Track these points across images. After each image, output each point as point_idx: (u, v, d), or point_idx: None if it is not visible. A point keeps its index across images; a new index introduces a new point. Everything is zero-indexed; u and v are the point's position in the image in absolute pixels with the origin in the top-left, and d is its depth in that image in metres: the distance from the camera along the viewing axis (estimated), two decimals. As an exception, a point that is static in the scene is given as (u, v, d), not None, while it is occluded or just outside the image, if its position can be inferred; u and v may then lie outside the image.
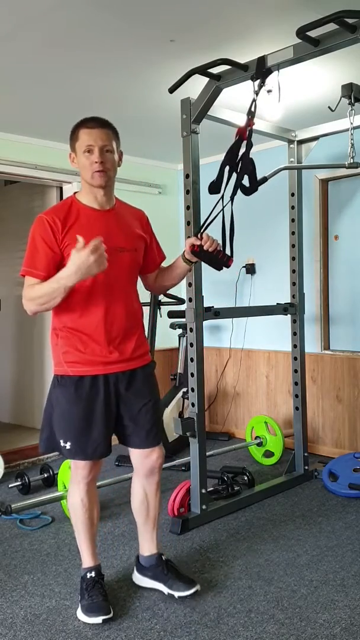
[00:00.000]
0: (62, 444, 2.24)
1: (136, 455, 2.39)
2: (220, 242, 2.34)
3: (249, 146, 2.49)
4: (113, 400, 2.26)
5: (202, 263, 2.57)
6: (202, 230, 2.32)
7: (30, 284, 2.14)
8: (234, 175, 2.48)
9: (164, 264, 2.52)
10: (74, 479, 2.32)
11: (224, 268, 2.36)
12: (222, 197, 2.41)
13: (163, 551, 2.55)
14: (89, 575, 2.33)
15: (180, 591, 2.36)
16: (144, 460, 2.38)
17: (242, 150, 2.50)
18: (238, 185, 2.48)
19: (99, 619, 2.20)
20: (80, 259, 1.99)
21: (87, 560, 2.36)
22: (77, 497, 2.31)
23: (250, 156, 2.47)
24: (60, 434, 2.24)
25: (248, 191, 2.52)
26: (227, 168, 2.43)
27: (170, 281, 2.47)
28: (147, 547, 2.49)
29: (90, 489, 2.32)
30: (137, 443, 2.35)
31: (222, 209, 2.37)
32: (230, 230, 2.43)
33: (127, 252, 2.27)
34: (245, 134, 2.46)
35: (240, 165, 2.44)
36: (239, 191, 2.47)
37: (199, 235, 2.26)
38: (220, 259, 2.33)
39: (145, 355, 2.36)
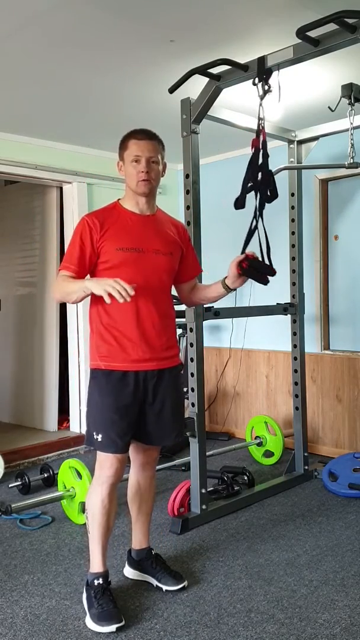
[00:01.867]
0: (94, 436, 2.27)
1: (134, 448, 2.44)
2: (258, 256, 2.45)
3: (266, 157, 2.62)
4: (140, 396, 2.31)
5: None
6: (244, 248, 2.51)
7: (63, 275, 2.24)
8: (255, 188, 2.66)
9: (205, 281, 2.62)
10: (98, 479, 2.29)
11: (269, 279, 2.49)
12: (256, 215, 2.60)
13: (154, 547, 2.60)
14: (97, 582, 2.28)
15: (169, 585, 2.45)
16: (143, 453, 2.46)
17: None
18: (263, 201, 2.65)
19: (112, 628, 2.16)
20: (107, 282, 2.04)
21: (97, 566, 2.32)
22: (98, 498, 2.28)
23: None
24: (93, 425, 2.29)
25: (270, 199, 2.69)
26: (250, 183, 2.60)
27: (204, 300, 2.58)
28: (138, 540, 2.55)
29: (112, 492, 2.29)
30: (156, 442, 2.41)
31: (256, 225, 2.56)
32: (266, 244, 2.58)
33: (163, 255, 2.35)
34: (259, 145, 2.59)
35: (260, 179, 2.60)
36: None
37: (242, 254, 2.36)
38: (266, 270, 2.47)
39: (175, 357, 2.42)
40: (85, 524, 2.36)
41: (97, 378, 2.30)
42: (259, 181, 2.62)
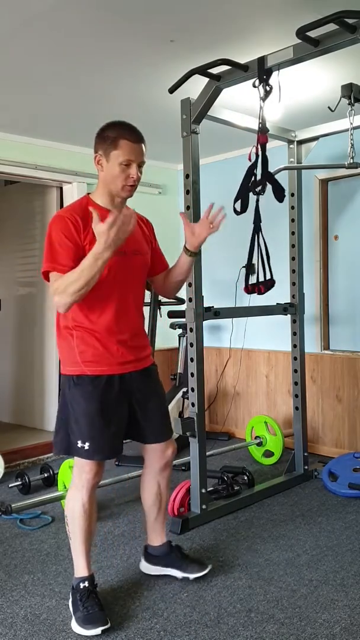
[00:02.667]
0: (79, 445, 2.20)
1: (152, 450, 2.43)
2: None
3: (265, 161, 2.75)
4: (127, 398, 2.31)
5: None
6: (247, 276, 2.79)
7: (54, 279, 2.12)
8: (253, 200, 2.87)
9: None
10: (77, 483, 2.25)
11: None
12: (256, 229, 2.88)
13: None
14: (82, 585, 2.25)
15: (194, 572, 2.50)
16: (160, 455, 2.44)
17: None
18: (257, 212, 2.87)
19: (97, 630, 2.14)
20: (104, 233, 2.00)
21: (81, 570, 2.28)
22: (78, 502, 2.23)
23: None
24: (78, 434, 2.21)
25: (281, 197, 2.88)
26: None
27: (178, 277, 2.49)
28: (158, 537, 2.57)
29: (92, 495, 2.26)
30: (152, 438, 2.41)
31: (256, 236, 2.82)
32: (266, 254, 2.90)
33: (141, 255, 2.35)
34: (258, 150, 2.70)
35: (258, 184, 2.77)
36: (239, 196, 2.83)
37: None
38: (270, 286, 2.79)
39: (150, 355, 2.44)
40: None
41: (82, 385, 2.22)
42: (259, 182, 2.72)
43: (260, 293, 3.14)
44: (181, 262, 2.45)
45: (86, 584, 2.25)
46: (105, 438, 2.23)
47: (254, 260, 4.68)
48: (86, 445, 2.20)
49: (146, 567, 2.60)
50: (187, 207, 3.11)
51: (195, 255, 2.41)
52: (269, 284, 3.16)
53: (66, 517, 2.29)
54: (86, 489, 2.23)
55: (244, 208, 2.83)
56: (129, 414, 2.33)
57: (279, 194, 2.88)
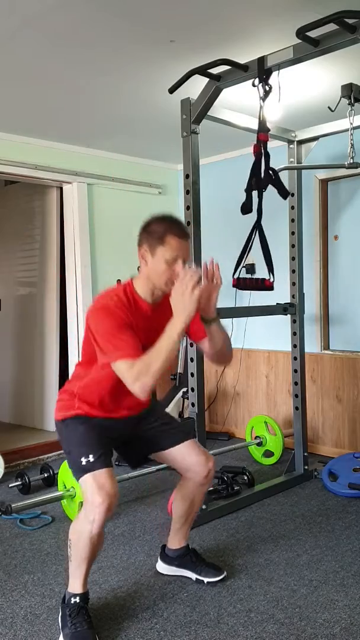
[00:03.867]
0: (84, 461, 2.14)
1: (193, 464, 2.38)
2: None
3: (267, 158, 2.74)
4: (126, 429, 2.35)
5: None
6: (239, 267, 2.71)
7: (129, 365, 2.00)
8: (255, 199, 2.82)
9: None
10: (89, 515, 2.08)
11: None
12: (255, 226, 2.84)
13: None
14: (73, 600, 2.15)
15: (210, 577, 2.51)
16: (200, 470, 2.39)
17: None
18: (260, 210, 2.84)
19: None
20: (177, 299, 1.99)
21: (76, 587, 2.17)
22: (86, 535, 2.10)
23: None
24: (82, 452, 2.16)
25: (285, 195, 2.87)
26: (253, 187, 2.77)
27: (217, 347, 2.35)
28: (178, 540, 2.58)
29: (102, 528, 2.12)
30: (173, 441, 2.38)
31: (253, 233, 2.78)
32: (267, 254, 2.88)
33: None
34: (261, 150, 2.69)
35: (261, 182, 2.75)
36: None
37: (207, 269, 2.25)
38: (259, 287, 2.71)
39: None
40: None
41: (76, 419, 2.23)
42: (261, 183, 2.73)
43: (245, 288, 3.07)
44: (210, 334, 2.30)
45: (77, 599, 2.16)
46: (101, 446, 2.19)
47: (254, 261, 4.72)
48: (91, 457, 2.14)
49: (161, 567, 2.62)
50: (187, 207, 3.11)
51: (215, 319, 2.28)
52: (259, 284, 3.10)
53: (69, 540, 2.18)
54: (97, 524, 2.08)
55: (248, 207, 2.80)
56: (127, 441, 2.37)
57: (282, 192, 2.88)
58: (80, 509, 2.22)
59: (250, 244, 2.97)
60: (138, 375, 1.98)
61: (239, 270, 3.01)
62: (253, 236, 2.97)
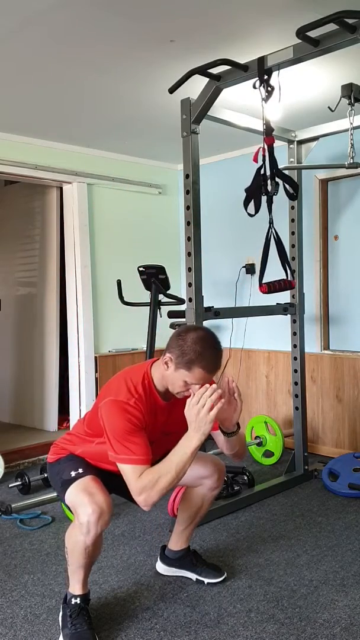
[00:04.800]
0: (72, 474, 2.14)
1: (198, 479, 2.38)
2: None
3: (274, 162, 2.78)
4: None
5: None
6: (263, 273, 2.90)
7: (137, 472, 1.97)
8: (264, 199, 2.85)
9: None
10: (82, 527, 2.02)
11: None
12: (269, 231, 2.91)
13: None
14: (74, 601, 2.14)
15: (210, 578, 2.50)
16: (210, 481, 2.39)
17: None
18: (270, 211, 2.88)
19: None
20: (192, 415, 1.94)
21: (76, 588, 2.16)
22: (80, 546, 2.06)
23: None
24: (72, 469, 2.16)
25: (294, 195, 2.95)
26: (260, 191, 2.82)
27: (230, 451, 2.31)
28: (180, 543, 2.57)
29: (99, 539, 2.08)
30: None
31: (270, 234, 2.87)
32: (283, 257, 2.95)
33: (172, 434, 2.13)
34: (265, 152, 2.72)
35: (272, 184, 2.80)
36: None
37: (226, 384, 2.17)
38: (285, 287, 2.89)
39: None
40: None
41: (71, 455, 2.24)
42: (272, 183, 2.76)
43: (275, 291, 3.11)
44: (228, 442, 2.25)
45: (78, 600, 2.15)
46: (92, 467, 2.19)
47: (253, 261, 4.73)
48: (80, 470, 2.15)
49: (161, 568, 2.61)
50: (187, 207, 3.11)
51: (235, 432, 2.21)
52: (287, 285, 3.13)
53: (65, 546, 2.15)
54: (91, 536, 2.03)
55: (257, 209, 2.81)
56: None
57: (293, 189, 2.91)
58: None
59: (269, 248, 2.97)
60: (144, 488, 1.94)
61: (263, 276, 2.99)
62: (270, 242, 2.96)
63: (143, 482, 1.94)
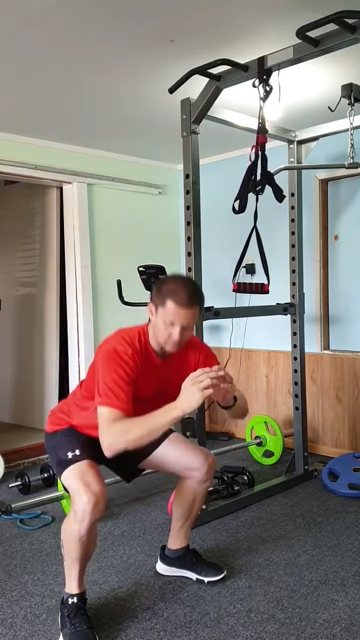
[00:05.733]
0: (69, 455, 2.17)
1: (187, 469, 2.39)
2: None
3: (265, 160, 2.78)
4: None
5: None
6: (238, 271, 2.91)
7: (112, 416, 2.02)
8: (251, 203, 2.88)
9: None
10: (77, 515, 2.06)
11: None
12: (252, 230, 2.92)
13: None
14: (71, 600, 2.15)
15: (210, 576, 2.51)
16: (199, 472, 2.39)
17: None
18: (256, 214, 2.90)
19: None
20: (191, 387, 1.97)
21: (72, 587, 2.17)
22: (75, 535, 2.08)
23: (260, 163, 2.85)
24: (68, 449, 2.18)
25: (280, 198, 2.93)
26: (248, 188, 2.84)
27: (234, 417, 2.40)
28: (179, 541, 2.58)
29: (92, 528, 2.09)
30: (153, 446, 2.36)
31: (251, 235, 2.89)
32: (263, 259, 2.98)
33: (165, 396, 2.17)
34: (258, 150, 2.73)
35: (258, 184, 2.81)
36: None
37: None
38: (256, 291, 2.93)
39: None
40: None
41: (69, 430, 2.27)
42: (258, 182, 2.76)
43: (245, 292, 3.23)
44: (228, 413, 2.30)
45: (75, 599, 2.16)
46: (90, 449, 2.19)
47: (254, 261, 4.72)
48: (77, 451, 2.17)
49: (161, 568, 2.61)
50: (187, 207, 3.11)
51: (233, 405, 2.24)
52: (258, 289, 3.20)
53: (61, 540, 2.18)
54: (85, 524, 2.05)
55: (242, 207, 2.84)
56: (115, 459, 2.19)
57: (278, 195, 2.91)
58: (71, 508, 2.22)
59: (247, 247, 3.04)
60: (113, 433, 1.99)
61: (237, 274, 3.09)
62: (250, 241, 3.01)
63: (115, 427, 2.00)
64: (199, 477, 2.40)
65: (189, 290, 2.15)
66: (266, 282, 3.21)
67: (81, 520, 2.05)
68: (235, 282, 3.11)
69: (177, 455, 2.40)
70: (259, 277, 4.72)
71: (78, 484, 2.08)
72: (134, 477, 2.57)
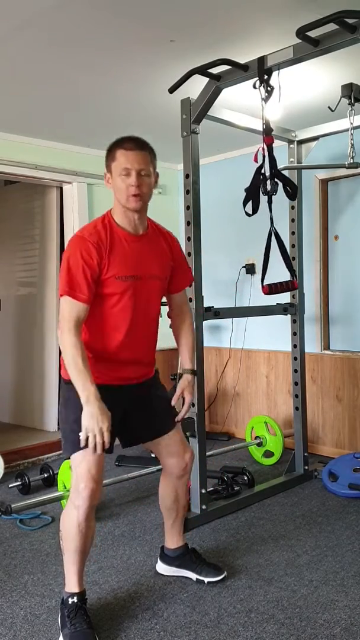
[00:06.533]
0: (79, 436, 2.15)
1: (170, 455, 2.41)
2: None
3: (273, 161, 2.77)
4: (122, 405, 2.27)
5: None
6: (265, 275, 2.93)
7: (70, 307, 2.10)
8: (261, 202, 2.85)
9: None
10: (74, 500, 2.13)
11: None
12: (271, 232, 2.91)
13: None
14: (71, 600, 2.15)
15: (210, 577, 2.50)
16: (179, 460, 2.42)
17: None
18: (271, 211, 2.87)
19: None
20: (93, 428, 2.05)
21: (72, 585, 2.18)
22: (73, 523, 2.12)
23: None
24: (77, 426, 2.15)
25: (293, 196, 2.94)
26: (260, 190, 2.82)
27: (176, 334, 2.55)
28: (175, 541, 2.58)
29: (89, 515, 2.13)
30: (162, 430, 2.38)
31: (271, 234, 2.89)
32: (286, 258, 2.97)
33: (158, 279, 2.28)
34: (264, 151, 2.72)
35: (271, 185, 2.80)
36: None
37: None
38: (287, 289, 2.98)
39: (153, 367, 2.44)
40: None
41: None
42: (271, 183, 2.77)
43: (277, 292, 3.15)
44: (181, 351, 2.54)
45: (75, 599, 2.16)
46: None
47: (253, 261, 4.73)
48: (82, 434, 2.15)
49: (161, 568, 2.61)
50: (187, 207, 3.11)
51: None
52: (289, 286, 3.16)
53: (60, 532, 2.21)
54: (83, 510, 2.10)
55: (255, 209, 2.82)
56: (123, 418, 2.28)
57: (292, 190, 2.89)
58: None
59: (269, 250, 2.98)
60: (62, 327, 2.08)
61: (264, 277, 3.01)
62: (270, 243, 2.96)
63: (69, 342, 2.06)
64: (176, 472, 2.43)
65: (135, 137, 2.20)
66: (291, 279, 3.17)
67: (78, 506, 2.11)
68: (265, 284, 3.03)
69: (168, 443, 2.40)
70: (259, 277, 4.72)
71: (80, 470, 2.13)
72: (131, 444, 2.47)
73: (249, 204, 2.83)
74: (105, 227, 2.20)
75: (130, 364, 2.28)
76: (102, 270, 2.13)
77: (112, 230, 2.20)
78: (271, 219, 2.93)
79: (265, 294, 3.05)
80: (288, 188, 2.89)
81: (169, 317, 2.55)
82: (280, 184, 2.84)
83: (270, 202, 2.89)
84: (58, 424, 4.97)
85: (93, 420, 2.04)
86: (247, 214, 2.82)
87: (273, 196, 2.85)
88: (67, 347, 2.07)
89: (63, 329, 2.09)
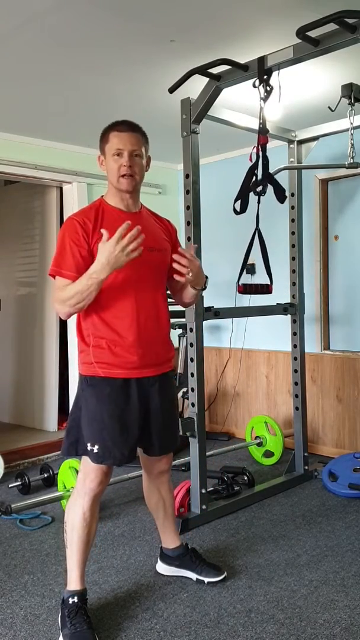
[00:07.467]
0: (89, 447, 2.15)
1: (147, 459, 2.42)
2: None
3: (266, 161, 2.78)
4: (144, 404, 2.24)
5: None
6: (242, 273, 2.90)
7: (61, 285, 2.12)
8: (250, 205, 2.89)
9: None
10: (80, 490, 2.19)
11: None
12: (255, 232, 2.94)
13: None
14: (71, 600, 2.15)
15: (210, 577, 2.50)
16: (155, 464, 2.43)
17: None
18: (258, 216, 2.89)
19: None
20: (108, 251, 2.01)
21: (74, 583, 2.19)
22: (78, 511, 2.17)
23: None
24: (89, 436, 2.15)
25: (282, 198, 2.93)
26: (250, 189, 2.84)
27: (186, 300, 2.45)
28: (170, 540, 2.58)
29: (95, 504, 2.19)
30: (157, 451, 2.36)
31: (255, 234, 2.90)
32: (266, 260, 3.00)
33: (157, 251, 2.27)
34: (259, 150, 2.74)
35: (259, 184, 2.82)
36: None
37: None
38: (262, 291, 2.96)
39: (171, 359, 2.37)
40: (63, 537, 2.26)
41: (96, 386, 2.17)
42: (259, 182, 2.77)
43: (250, 293, 3.26)
44: (186, 292, 2.40)
45: (75, 599, 2.16)
46: (116, 443, 2.15)
47: (254, 261, 4.72)
48: (95, 448, 2.14)
49: (161, 568, 2.61)
50: (187, 207, 3.11)
51: (198, 289, 2.35)
52: (263, 289, 3.23)
53: (65, 523, 2.22)
54: (89, 497, 2.16)
55: (243, 208, 2.84)
56: (143, 425, 2.25)
57: (280, 194, 2.91)
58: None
59: (251, 250, 3.06)
60: (57, 299, 2.13)
61: (241, 275, 3.10)
62: (253, 242, 3.02)
63: (57, 295, 2.13)
64: (155, 468, 2.43)
65: (128, 121, 2.25)
66: (269, 283, 3.23)
67: (85, 493, 2.17)
68: (240, 283, 3.11)
69: (161, 444, 2.36)
70: (259, 277, 4.72)
71: (87, 470, 2.19)
72: (147, 453, 2.44)
73: (239, 202, 2.85)
74: (95, 206, 2.25)
75: (143, 346, 2.19)
76: (91, 241, 2.13)
77: (103, 209, 2.23)
78: (257, 218, 2.94)
79: (239, 292, 3.18)
80: (276, 192, 2.90)
81: (174, 298, 2.51)
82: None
83: (259, 202, 2.91)
84: (58, 424, 4.98)
85: (105, 254, 2.02)
86: (235, 211, 2.83)
87: (262, 197, 2.89)
88: (64, 301, 2.10)
89: (55, 304, 2.17)
